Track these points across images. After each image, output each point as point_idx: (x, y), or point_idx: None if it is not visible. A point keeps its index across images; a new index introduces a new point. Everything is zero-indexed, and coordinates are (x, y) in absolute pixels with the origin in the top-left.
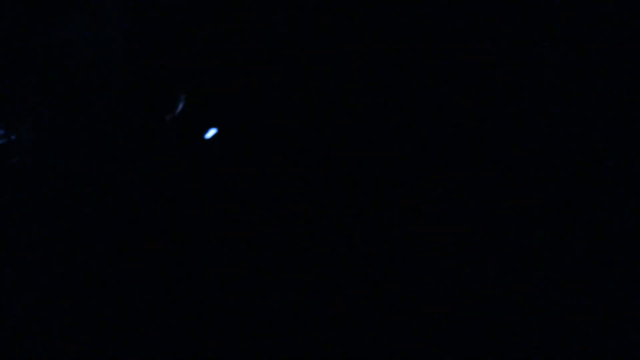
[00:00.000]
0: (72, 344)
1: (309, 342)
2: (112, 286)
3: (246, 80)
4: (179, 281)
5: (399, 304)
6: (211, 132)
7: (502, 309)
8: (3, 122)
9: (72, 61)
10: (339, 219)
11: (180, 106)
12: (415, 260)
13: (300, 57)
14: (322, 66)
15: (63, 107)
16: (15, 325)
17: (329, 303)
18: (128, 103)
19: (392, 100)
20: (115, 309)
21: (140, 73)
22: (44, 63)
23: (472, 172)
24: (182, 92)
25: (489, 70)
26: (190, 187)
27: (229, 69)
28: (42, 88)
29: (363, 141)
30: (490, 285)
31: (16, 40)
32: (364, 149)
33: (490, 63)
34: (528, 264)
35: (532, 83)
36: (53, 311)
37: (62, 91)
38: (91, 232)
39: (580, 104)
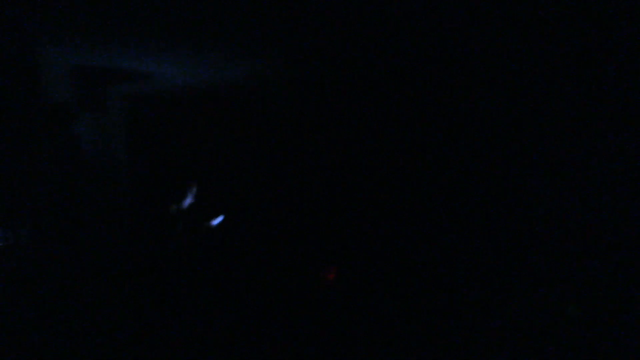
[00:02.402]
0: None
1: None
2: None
3: (248, 171)
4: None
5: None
6: (218, 219)
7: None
8: (1, 225)
9: (75, 160)
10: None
11: (188, 198)
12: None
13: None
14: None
15: (63, 209)
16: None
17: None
18: (133, 198)
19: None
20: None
21: (144, 168)
22: (46, 163)
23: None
24: (189, 185)
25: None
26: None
27: (231, 160)
28: (43, 190)
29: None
30: (490, 287)
31: (18, 140)
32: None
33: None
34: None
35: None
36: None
37: (62, 193)
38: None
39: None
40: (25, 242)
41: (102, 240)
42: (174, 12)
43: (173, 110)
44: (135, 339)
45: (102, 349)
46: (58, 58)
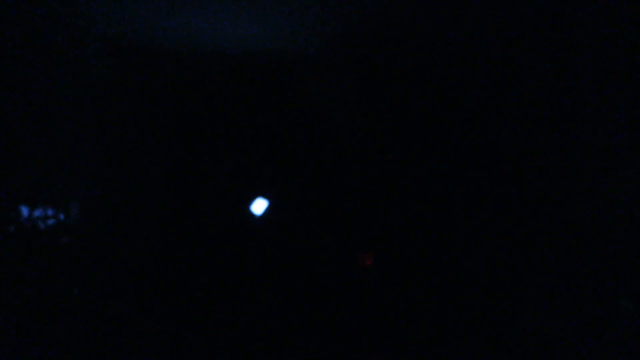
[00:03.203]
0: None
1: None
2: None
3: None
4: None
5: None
6: (261, 207)
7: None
8: (52, 202)
9: (117, 141)
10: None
11: (231, 185)
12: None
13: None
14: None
15: (110, 186)
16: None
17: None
18: (176, 180)
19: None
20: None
21: (187, 151)
22: (97, 142)
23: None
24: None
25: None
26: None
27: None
28: (92, 168)
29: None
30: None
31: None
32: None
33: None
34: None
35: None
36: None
37: (109, 171)
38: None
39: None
40: (75, 219)
41: (144, 219)
42: None
43: (210, 92)
44: (181, 318)
45: (148, 322)
46: (102, 37)
